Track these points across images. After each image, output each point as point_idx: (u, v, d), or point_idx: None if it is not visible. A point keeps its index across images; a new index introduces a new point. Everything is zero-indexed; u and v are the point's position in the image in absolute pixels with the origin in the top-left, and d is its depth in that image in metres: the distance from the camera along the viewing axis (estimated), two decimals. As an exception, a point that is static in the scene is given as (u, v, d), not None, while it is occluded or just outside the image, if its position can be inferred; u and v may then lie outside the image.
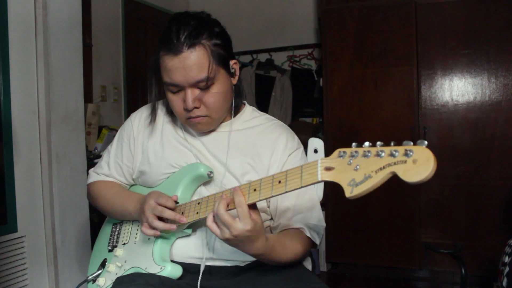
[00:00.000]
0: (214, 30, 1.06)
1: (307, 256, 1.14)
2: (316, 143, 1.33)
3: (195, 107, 1.06)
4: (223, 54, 1.07)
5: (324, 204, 3.03)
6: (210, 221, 0.92)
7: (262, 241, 0.93)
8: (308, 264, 1.21)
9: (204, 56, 1.03)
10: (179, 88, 1.06)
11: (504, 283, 1.64)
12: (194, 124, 1.11)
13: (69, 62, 2.08)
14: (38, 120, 1.99)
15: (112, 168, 1.26)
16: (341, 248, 3.06)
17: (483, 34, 2.72)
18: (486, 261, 2.63)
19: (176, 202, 1.07)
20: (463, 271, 1.95)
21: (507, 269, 1.65)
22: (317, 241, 1.11)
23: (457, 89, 2.80)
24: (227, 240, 0.91)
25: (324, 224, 1.14)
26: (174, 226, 1.02)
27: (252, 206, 0.91)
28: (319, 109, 3.47)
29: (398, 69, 2.87)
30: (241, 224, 0.87)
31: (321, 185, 1.31)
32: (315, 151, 1.33)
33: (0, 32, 1.81)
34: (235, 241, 0.90)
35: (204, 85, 1.04)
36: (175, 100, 1.08)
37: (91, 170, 1.31)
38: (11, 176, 1.87)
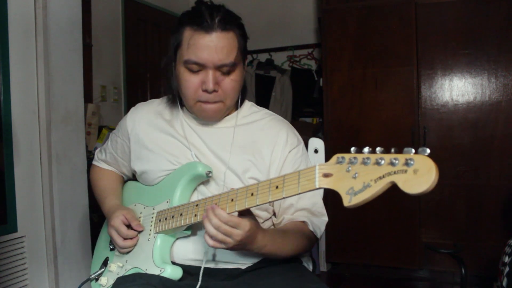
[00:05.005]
0: (240, 23, 1.11)
1: (308, 251, 1.15)
2: (316, 143, 1.33)
3: (214, 90, 1.06)
4: (245, 47, 1.11)
5: (324, 204, 3.03)
6: (211, 243, 0.91)
7: (261, 235, 0.95)
8: (309, 264, 1.21)
9: (234, 41, 1.06)
10: (200, 68, 1.05)
11: (504, 283, 1.63)
12: (205, 109, 1.10)
13: (69, 62, 2.07)
14: (38, 120, 1.98)
15: (108, 158, 1.33)
16: (341, 248, 3.05)
17: (483, 34, 2.71)
18: (486, 261, 2.62)
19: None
20: (463, 271, 1.95)
21: (507, 269, 1.64)
22: (318, 235, 1.13)
23: (457, 89, 2.80)
24: (233, 248, 0.92)
25: (327, 219, 1.16)
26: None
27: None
28: (319, 109, 3.47)
29: (398, 69, 2.87)
30: (240, 230, 0.89)
31: (321, 184, 1.30)
32: (315, 151, 1.33)
33: (0, 32, 1.81)
34: (240, 246, 0.92)
35: (227, 69, 1.06)
36: (192, 80, 1.06)
37: (97, 151, 1.39)
38: (11, 176, 1.86)
